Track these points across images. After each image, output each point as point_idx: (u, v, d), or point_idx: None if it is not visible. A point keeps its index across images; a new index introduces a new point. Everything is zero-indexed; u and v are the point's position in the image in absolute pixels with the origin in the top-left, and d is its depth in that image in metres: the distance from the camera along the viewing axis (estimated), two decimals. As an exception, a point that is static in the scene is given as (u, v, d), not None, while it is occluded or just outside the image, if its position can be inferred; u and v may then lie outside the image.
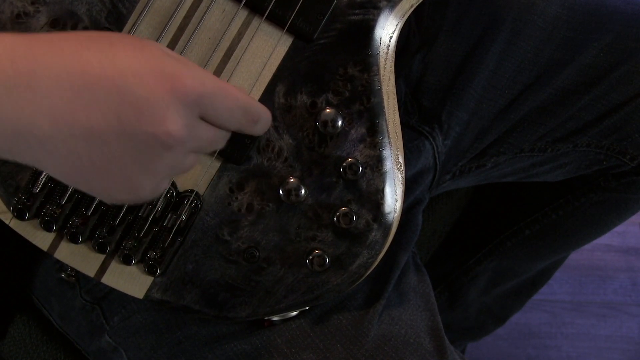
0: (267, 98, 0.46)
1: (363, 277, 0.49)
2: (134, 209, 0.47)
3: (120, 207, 0.47)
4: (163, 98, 0.35)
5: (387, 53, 0.46)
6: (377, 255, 0.49)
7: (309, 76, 0.46)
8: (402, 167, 0.48)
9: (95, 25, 0.44)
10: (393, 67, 0.47)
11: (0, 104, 0.33)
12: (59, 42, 0.35)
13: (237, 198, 0.47)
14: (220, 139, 0.41)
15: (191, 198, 0.47)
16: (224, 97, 0.39)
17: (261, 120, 0.42)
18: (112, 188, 0.37)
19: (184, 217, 0.47)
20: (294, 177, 0.47)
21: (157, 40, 0.44)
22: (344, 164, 0.47)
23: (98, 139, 0.35)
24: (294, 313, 0.53)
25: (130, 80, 0.35)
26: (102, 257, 0.48)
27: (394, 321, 0.54)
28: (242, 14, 0.45)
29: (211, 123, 0.39)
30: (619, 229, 0.79)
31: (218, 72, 0.45)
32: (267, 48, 0.46)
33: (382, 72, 0.46)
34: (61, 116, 0.34)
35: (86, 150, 0.35)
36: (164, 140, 0.36)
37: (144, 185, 0.37)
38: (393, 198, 0.48)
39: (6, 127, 0.33)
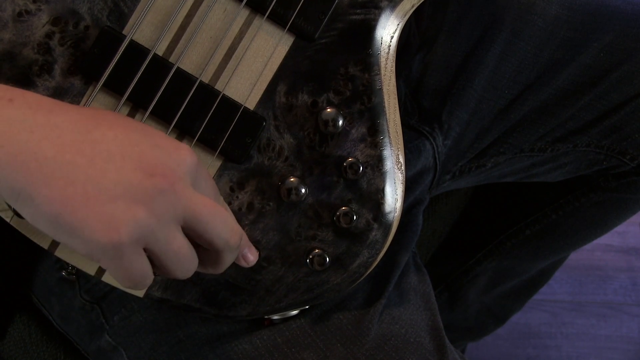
0: (268, 97, 0.46)
1: (363, 277, 0.49)
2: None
3: None
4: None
5: (388, 53, 0.46)
6: (377, 254, 0.49)
7: (310, 75, 0.46)
8: (403, 167, 0.48)
9: (97, 24, 0.44)
10: (394, 67, 0.47)
11: (12, 126, 0.35)
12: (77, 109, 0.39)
13: (237, 197, 0.47)
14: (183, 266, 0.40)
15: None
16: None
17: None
18: (91, 225, 0.36)
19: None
20: (294, 176, 0.47)
21: (158, 39, 0.44)
22: (345, 164, 0.47)
23: (99, 164, 0.36)
24: (294, 312, 0.53)
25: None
26: (102, 256, 0.48)
27: (394, 321, 0.54)
28: (244, 13, 0.45)
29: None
30: (619, 229, 0.80)
31: (219, 72, 0.45)
32: (269, 47, 0.46)
33: (383, 71, 0.46)
34: (68, 146, 0.36)
35: (82, 177, 0.36)
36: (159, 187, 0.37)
37: (128, 224, 0.36)
38: (393, 198, 0.48)
39: (11, 150, 0.35)
